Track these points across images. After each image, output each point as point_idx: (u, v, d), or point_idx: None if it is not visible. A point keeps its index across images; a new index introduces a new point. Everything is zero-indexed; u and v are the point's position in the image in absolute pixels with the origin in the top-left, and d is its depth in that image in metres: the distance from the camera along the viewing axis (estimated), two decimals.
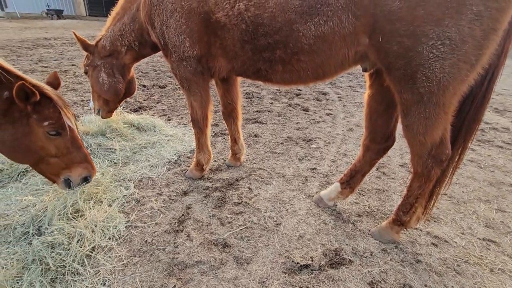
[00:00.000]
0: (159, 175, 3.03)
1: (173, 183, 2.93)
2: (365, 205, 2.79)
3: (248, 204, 2.69)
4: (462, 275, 2.09)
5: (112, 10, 2.93)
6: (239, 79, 2.94)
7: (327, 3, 1.67)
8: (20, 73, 1.90)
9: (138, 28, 2.71)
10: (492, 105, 6.15)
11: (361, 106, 5.66)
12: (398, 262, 2.15)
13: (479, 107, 1.85)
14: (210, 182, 2.98)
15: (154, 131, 3.81)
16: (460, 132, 1.93)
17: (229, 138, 3.20)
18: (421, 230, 2.49)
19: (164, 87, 6.15)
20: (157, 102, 5.25)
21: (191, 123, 2.88)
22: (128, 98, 3.78)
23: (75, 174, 2.11)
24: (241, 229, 2.38)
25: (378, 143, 2.33)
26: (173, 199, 2.69)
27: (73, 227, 2.06)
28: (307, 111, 5.25)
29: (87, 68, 3.05)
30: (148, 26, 2.55)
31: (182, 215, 2.50)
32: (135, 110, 4.76)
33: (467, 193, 3.05)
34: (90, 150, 3.17)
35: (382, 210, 2.73)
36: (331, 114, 5.15)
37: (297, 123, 4.65)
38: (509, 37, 1.61)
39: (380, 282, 1.99)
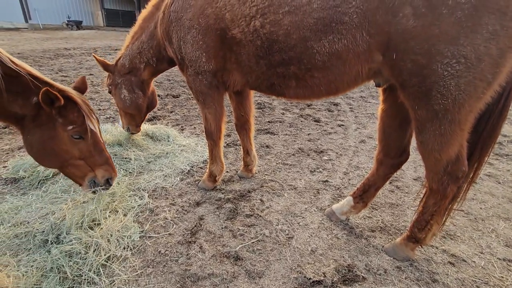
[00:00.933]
0: (172, 185, 3.08)
1: (186, 194, 2.97)
2: (378, 220, 2.75)
3: (260, 216, 2.70)
4: None
5: (131, 24, 3.07)
6: (252, 92, 2.99)
7: (341, 21, 1.70)
8: (48, 79, 2.01)
9: (156, 44, 2.82)
10: (510, 117, 5.98)
11: (373, 117, 5.62)
12: (413, 281, 2.10)
13: (496, 124, 1.82)
14: (223, 193, 3.01)
15: (168, 141, 3.89)
16: (476, 149, 1.90)
17: (242, 149, 3.23)
18: (437, 248, 2.43)
19: (177, 97, 6.29)
20: (171, 112, 5.37)
21: (204, 134, 2.94)
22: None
23: (98, 176, 2.21)
24: (253, 242, 2.38)
25: (392, 157, 2.32)
26: (186, 210, 2.73)
27: (90, 237, 2.11)
28: (318, 122, 5.25)
29: (110, 87, 3.21)
30: (166, 42, 2.65)
31: (195, 226, 2.53)
32: (149, 120, 4.88)
33: (485, 210, 2.96)
34: None
35: (396, 225, 2.68)
36: (342, 125, 5.13)
37: (308, 134, 4.65)
38: None
39: None
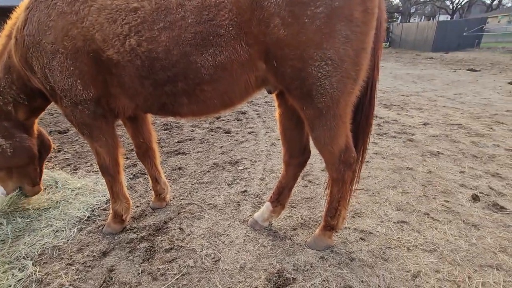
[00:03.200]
0: (67, 241, 2.54)
1: (87, 246, 2.49)
2: (298, 217, 2.88)
3: (181, 247, 2.47)
4: (388, 261, 2.30)
5: None
6: (150, 116, 2.75)
7: (218, 34, 1.69)
8: None
9: (16, 78, 2.30)
10: (381, 101, 7.31)
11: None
12: (336, 266, 2.25)
13: (368, 112, 2.12)
14: (135, 232, 2.64)
15: (56, 187, 3.23)
16: (359, 136, 2.17)
17: (150, 178, 2.93)
18: (349, 228, 2.68)
19: (65, 132, 5.38)
20: (58, 151, 4.53)
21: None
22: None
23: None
24: (177, 279, 2.15)
25: (296, 157, 2.45)
26: (89, 266, 2.27)
27: None
28: (229, 133, 5.29)
29: None
30: (27, 72, 2.19)
31: (104, 282, 2.12)
32: None
33: (378, 183, 3.46)
34: None
35: (314, 217, 2.86)
36: (252, 132, 5.30)
37: (221, 147, 4.62)
38: (376, 52, 1.91)
39: None
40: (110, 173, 2.43)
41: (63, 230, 2.64)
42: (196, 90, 1.87)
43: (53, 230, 2.62)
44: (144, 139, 2.69)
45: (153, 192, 3.00)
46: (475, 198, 3.07)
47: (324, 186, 3.39)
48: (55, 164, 4.03)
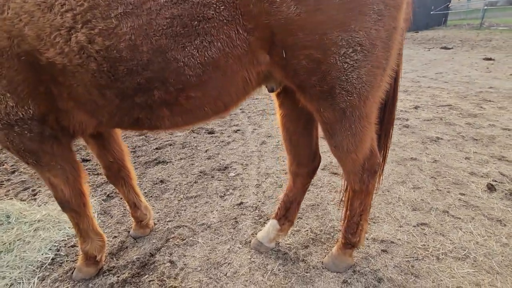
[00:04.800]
0: None
1: None
2: (307, 230, 2.50)
3: (175, 287, 2.01)
4: (420, 276, 1.99)
5: None
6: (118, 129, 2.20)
7: (205, 17, 1.20)
8: None
9: None
10: None
11: (264, 113, 5.56)
12: None
13: (391, 108, 1.75)
14: (114, 274, 2.14)
15: (9, 222, 2.61)
16: (381, 137, 1.80)
17: (127, 204, 2.41)
18: (367, 239, 2.34)
19: None
20: (12, 172, 3.81)
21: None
22: None
23: None
24: None
25: (305, 165, 2.05)
26: None
27: None
28: (213, 133, 4.78)
29: None
30: None
31: None
32: None
33: (386, 179, 3.15)
34: None
35: (325, 229, 2.49)
36: (239, 130, 4.82)
37: (206, 151, 4.11)
38: (402, 35, 1.51)
39: None
40: (73, 208, 1.89)
41: (19, 283, 2.08)
42: (179, 98, 1.37)
43: (6, 284, 2.05)
44: (115, 158, 2.15)
45: (132, 218, 2.48)
46: (490, 188, 2.85)
47: (328, 189, 3.04)
48: (8, 191, 3.34)
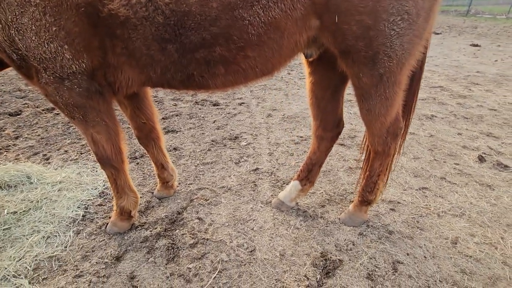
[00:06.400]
0: (65, 247, 2.10)
1: (93, 251, 2.08)
2: (322, 192, 2.72)
3: (207, 239, 2.19)
4: (425, 229, 2.28)
5: None
6: (150, 89, 2.25)
7: None
8: None
9: None
10: None
11: (266, 88, 5.64)
12: (377, 241, 2.16)
13: (418, 78, 1.92)
14: (147, 229, 2.27)
15: (31, 183, 2.65)
16: (406, 104, 1.98)
17: (154, 165, 2.50)
18: None
19: (18, 114, 4.46)
20: (16, 138, 3.74)
21: (95, 159, 2.07)
22: None
23: None
24: (215, 277, 1.89)
25: (330, 130, 2.21)
26: (104, 275, 1.90)
27: None
28: (217, 105, 4.84)
29: None
30: None
31: None
32: None
33: None
34: None
35: (338, 192, 2.73)
36: (243, 103, 4.91)
37: (214, 122, 4.20)
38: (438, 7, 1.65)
39: (375, 270, 1.94)
40: (112, 164, 1.97)
41: (55, 236, 2.17)
42: (237, 56, 1.46)
43: (43, 237, 2.14)
44: (147, 118, 2.21)
45: (158, 179, 2.59)
46: (481, 159, 3.17)
47: (336, 158, 3.25)
48: (17, 155, 3.31)
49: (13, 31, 1.47)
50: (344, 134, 3.68)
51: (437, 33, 12.34)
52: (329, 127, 2.20)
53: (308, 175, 2.39)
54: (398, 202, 2.57)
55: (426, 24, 1.53)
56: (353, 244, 2.14)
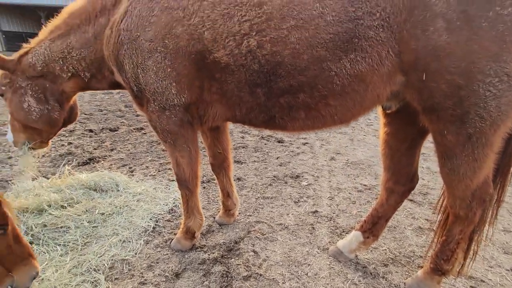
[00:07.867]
0: (135, 254, 2.33)
1: (157, 263, 2.26)
2: (385, 249, 2.50)
3: (260, 275, 2.18)
4: None
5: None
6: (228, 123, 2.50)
7: (366, 36, 1.39)
8: None
9: (95, 60, 2.07)
10: None
11: (332, 131, 5.63)
12: None
13: None
14: (205, 252, 2.39)
15: (118, 190, 3.08)
16: (499, 168, 1.78)
17: (220, 192, 2.68)
18: None
19: (116, 130, 5.32)
20: (112, 150, 4.44)
21: (175, 180, 2.32)
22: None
23: (22, 278, 1.49)
24: None
25: (403, 184, 2.10)
26: None
27: None
28: (282, 142, 4.99)
29: (2, 88, 2.25)
30: (114, 68, 2.00)
31: None
32: (85, 163, 3.90)
33: None
34: (32, 235, 2.33)
35: (404, 252, 2.48)
36: (307, 143, 4.97)
37: (277, 158, 4.32)
38: None
39: None
40: (188, 186, 2.20)
41: (129, 241, 2.44)
42: (319, 103, 1.57)
43: (120, 240, 2.42)
44: (223, 149, 2.44)
45: (221, 206, 2.74)
46: None
47: (405, 214, 3.00)
48: (111, 164, 3.91)
49: (139, 70, 1.85)
50: (415, 190, 3.37)
51: None
52: (401, 180, 2.09)
53: (372, 228, 2.25)
54: (482, 281, 2.20)
55: None
56: None
